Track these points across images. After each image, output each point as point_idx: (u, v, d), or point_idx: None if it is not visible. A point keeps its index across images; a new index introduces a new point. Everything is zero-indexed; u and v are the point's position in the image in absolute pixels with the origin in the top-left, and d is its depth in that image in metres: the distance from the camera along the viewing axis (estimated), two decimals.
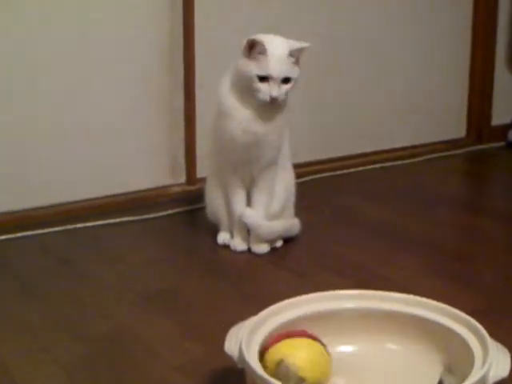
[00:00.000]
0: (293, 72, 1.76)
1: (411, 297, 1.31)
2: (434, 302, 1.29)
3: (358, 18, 2.59)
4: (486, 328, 1.19)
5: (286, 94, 1.76)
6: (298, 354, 1.18)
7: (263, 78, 1.73)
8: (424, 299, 1.30)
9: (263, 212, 1.89)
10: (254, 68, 1.73)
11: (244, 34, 1.75)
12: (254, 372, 1.10)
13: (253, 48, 1.73)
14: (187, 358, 1.37)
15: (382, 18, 2.65)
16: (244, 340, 1.16)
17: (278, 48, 1.74)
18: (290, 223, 1.96)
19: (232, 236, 1.92)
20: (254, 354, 1.16)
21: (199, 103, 2.25)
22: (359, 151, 2.67)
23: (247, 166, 1.86)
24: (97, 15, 2.11)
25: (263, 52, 1.72)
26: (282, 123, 1.83)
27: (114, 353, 1.39)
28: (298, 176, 2.01)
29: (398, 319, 1.29)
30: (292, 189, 1.96)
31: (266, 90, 1.73)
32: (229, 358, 1.16)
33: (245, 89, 1.77)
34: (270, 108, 1.77)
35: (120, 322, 1.52)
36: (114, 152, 2.21)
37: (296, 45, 1.76)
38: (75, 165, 2.15)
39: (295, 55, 1.76)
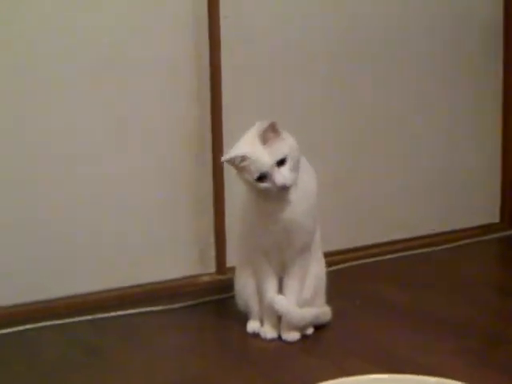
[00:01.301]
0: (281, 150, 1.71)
1: (445, 381, 1.26)
2: None
3: (383, 94, 2.59)
4: None
5: (292, 174, 1.72)
6: None
7: (261, 178, 1.71)
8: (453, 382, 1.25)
9: (295, 299, 1.84)
10: (247, 175, 1.72)
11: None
12: None
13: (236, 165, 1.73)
14: None
15: (410, 96, 2.64)
16: None
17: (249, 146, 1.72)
18: (322, 311, 1.91)
19: (262, 324, 1.88)
20: None
21: (228, 191, 2.24)
22: (388, 239, 2.62)
23: (279, 252, 1.83)
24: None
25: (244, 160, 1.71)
26: (308, 207, 1.80)
27: None
28: (328, 264, 1.97)
29: None
30: (323, 276, 1.92)
31: (270, 184, 1.71)
32: None
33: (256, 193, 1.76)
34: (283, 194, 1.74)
35: None
36: (142, 241, 2.20)
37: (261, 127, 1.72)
38: (103, 254, 2.14)
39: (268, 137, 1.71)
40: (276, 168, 1.70)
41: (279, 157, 1.70)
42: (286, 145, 1.72)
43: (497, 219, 2.88)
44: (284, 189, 1.72)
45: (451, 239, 2.69)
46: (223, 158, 1.75)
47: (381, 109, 2.59)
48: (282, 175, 1.70)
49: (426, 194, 2.71)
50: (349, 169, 2.54)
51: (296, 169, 1.73)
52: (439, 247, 2.64)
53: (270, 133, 1.71)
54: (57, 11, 2.02)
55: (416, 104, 2.66)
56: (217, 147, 2.21)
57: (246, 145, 1.72)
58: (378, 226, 2.62)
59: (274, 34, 2.33)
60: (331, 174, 2.46)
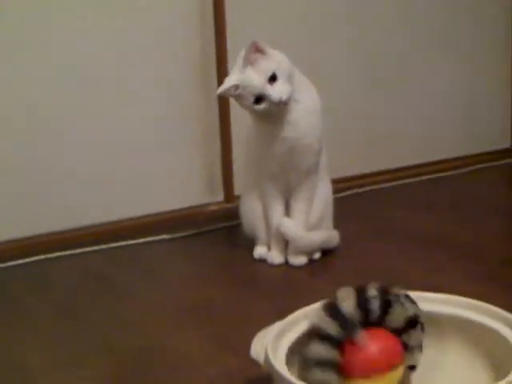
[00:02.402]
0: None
1: (448, 296, 1.23)
2: (472, 301, 1.20)
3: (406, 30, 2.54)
4: None
5: (286, 87, 1.68)
6: None
7: (258, 100, 1.68)
8: (461, 298, 1.21)
9: (302, 222, 1.81)
10: (244, 101, 1.69)
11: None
12: (279, 375, 1.03)
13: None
14: (220, 369, 1.31)
15: (420, 30, 2.60)
16: (270, 343, 1.09)
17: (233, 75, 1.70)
18: (329, 234, 1.88)
19: (269, 249, 1.86)
20: (280, 357, 1.09)
21: (234, 120, 2.21)
22: (399, 165, 2.60)
23: (286, 175, 1.80)
24: (132, 41, 2.10)
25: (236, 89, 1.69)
26: (310, 124, 1.76)
27: (149, 365, 1.33)
28: (337, 190, 1.94)
29: (433, 319, 1.20)
30: (330, 200, 1.89)
31: (268, 104, 1.67)
32: (257, 364, 1.10)
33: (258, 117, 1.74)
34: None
35: (156, 335, 1.47)
36: (151, 173, 2.18)
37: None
38: (115, 186, 2.13)
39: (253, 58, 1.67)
40: (269, 86, 1.66)
41: (268, 74, 1.66)
42: (272, 61, 1.68)
43: (507, 144, 2.84)
44: (282, 103, 1.68)
45: (463, 164, 2.68)
46: (217, 92, 1.73)
47: (394, 41, 2.56)
48: (276, 90, 1.66)
49: (437, 121, 2.67)
50: (360, 95, 2.51)
51: (290, 81, 1.69)
52: (451, 172, 2.62)
53: (254, 54, 1.67)
54: None
55: (434, 40, 2.64)
56: (222, 78, 2.16)
57: (235, 73, 1.70)
58: (390, 151, 2.59)
59: None
60: (342, 100, 2.43)
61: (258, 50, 1.67)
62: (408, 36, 2.57)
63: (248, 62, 1.67)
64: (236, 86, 1.68)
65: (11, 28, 1.93)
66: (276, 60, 1.68)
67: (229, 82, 1.70)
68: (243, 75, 1.67)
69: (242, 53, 1.69)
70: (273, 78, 1.66)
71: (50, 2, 1.97)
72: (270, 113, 1.70)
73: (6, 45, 1.93)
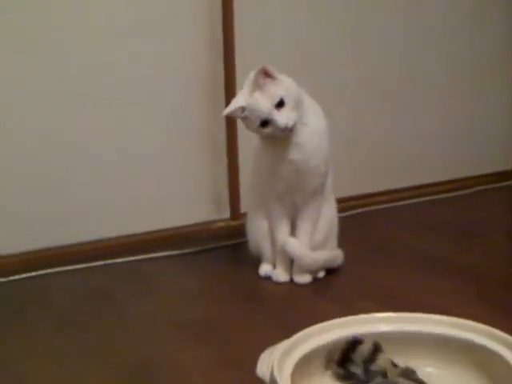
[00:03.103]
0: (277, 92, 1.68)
1: (451, 318, 1.24)
2: (473, 323, 1.21)
3: (401, 46, 2.57)
4: None
5: (293, 114, 1.69)
6: None
7: (264, 123, 1.69)
8: (462, 320, 1.22)
9: (307, 242, 1.82)
10: (250, 124, 1.71)
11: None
12: None
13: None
14: None
15: (421, 48, 2.62)
16: (276, 362, 1.10)
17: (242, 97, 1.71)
18: (333, 254, 1.89)
19: (274, 267, 1.87)
20: (286, 376, 1.10)
21: (241, 138, 2.22)
22: (404, 185, 2.60)
23: (292, 196, 1.81)
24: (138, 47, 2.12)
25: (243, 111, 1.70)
26: (317, 147, 1.77)
27: (149, 379, 1.34)
28: (343, 210, 1.96)
29: (434, 341, 1.21)
30: (335, 220, 1.90)
31: (273, 128, 1.69)
32: (261, 383, 1.10)
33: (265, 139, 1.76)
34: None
35: (157, 350, 1.47)
36: (157, 189, 2.19)
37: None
38: (119, 201, 2.14)
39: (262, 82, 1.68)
40: (275, 111, 1.67)
41: (276, 100, 1.67)
42: (281, 86, 1.68)
43: (510, 166, 2.84)
44: (287, 129, 1.69)
45: (465, 186, 2.68)
46: (224, 113, 1.74)
47: (398, 57, 2.57)
48: (283, 117, 1.67)
49: (439, 142, 2.68)
50: (363, 117, 2.52)
51: (297, 108, 1.70)
52: (452, 194, 2.62)
53: (262, 78, 1.68)
54: None
55: (433, 54, 2.64)
56: (230, 97, 2.18)
57: (242, 96, 1.71)
58: (390, 172, 2.60)
59: None
60: (345, 120, 2.44)
61: (267, 74, 1.68)
62: (412, 54, 2.58)
63: (257, 86, 1.68)
64: (242, 108, 1.69)
65: (17, 36, 1.95)
66: (284, 86, 1.69)
67: (235, 103, 1.71)
68: (251, 98, 1.68)
69: (251, 75, 1.70)
70: (280, 104, 1.67)
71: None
72: (276, 136, 1.71)
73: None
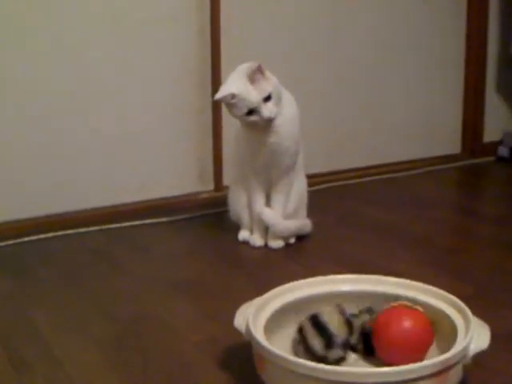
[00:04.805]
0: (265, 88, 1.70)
1: (403, 280, 1.26)
2: (423, 285, 1.23)
3: (363, 43, 2.57)
4: (471, 310, 1.13)
5: (275, 108, 1.71)
6: None
7: (250, 112, 1.70)
8: (414, 282, 1.24)
9: (280, 212, 1.84)
10: (237, 110, 1.71)
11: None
12: (258, 343, 1.06)
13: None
14: (204, 335, 1.33)
15: (385, 45, 2.61)
16: (251, 316, 1.12)
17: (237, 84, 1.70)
18: (303, 223, 1.91)
19: (252, 233, 1.88)
20: (259, 328, 1.12)
21: (225, 120, 2.22)
22: (364, 164, 2.62)
23: (268, 171, 1.82)
24: (132, 41, 2.10)
25: (234, 97, 1.69)
26: (290, 132, 1.79)
27: (141, 331, 1.36)
28: (311, 185, 1.97)
29: (385, 299, 1.23)
30: (305, 193, 1.92)
31: (258, 117, 1.70)
32: (238, 333, 1.13)
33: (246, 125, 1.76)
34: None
35: (148, 305, 1.49)
36: (148, 164, 2.19)
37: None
38: (118, 174, 2.14)
39: (255, 77, 1.70)
40: (263, 103, 1.69)
41: (265, 94, 1.70)
42: (270, 84, 1.71)
43: (458, 150, 2.87)
44: (270, 120, 1.72)
45: (419, 166, 2.69)
46: (216, 97, 1.73)
47: (362, 54, 2.56)
48: (268, 109, 1.70)
49: (399, 128, 2.69)
50: (332, 103, 2.52)
51: (278, 103, 1.73)
52: (409, 172, 2.64)
53: (257, 74, 1.70)
54: None
55: (390, 54, 2.64)
56: (216, 81, 2.19)
57: (235, 84, 1.70)
58: (356, 153, 2.61)
59: None
60: (317, 106, 2.45)
61: (260, 71, 1.70)
62: (377, 49, 2.58)
63: (250, 79, 1.69)
64: (233, 95, 1.69)
65: (21, 38, 1.94)
66: (272, 84, 1.71)
67: (228, 89, 1.70)
68: (243, 88, 1.69)
69: (242, 67, 1.71)
70: (267, 98, 1.70)
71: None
72: (258, 124, 1.73)
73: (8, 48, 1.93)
